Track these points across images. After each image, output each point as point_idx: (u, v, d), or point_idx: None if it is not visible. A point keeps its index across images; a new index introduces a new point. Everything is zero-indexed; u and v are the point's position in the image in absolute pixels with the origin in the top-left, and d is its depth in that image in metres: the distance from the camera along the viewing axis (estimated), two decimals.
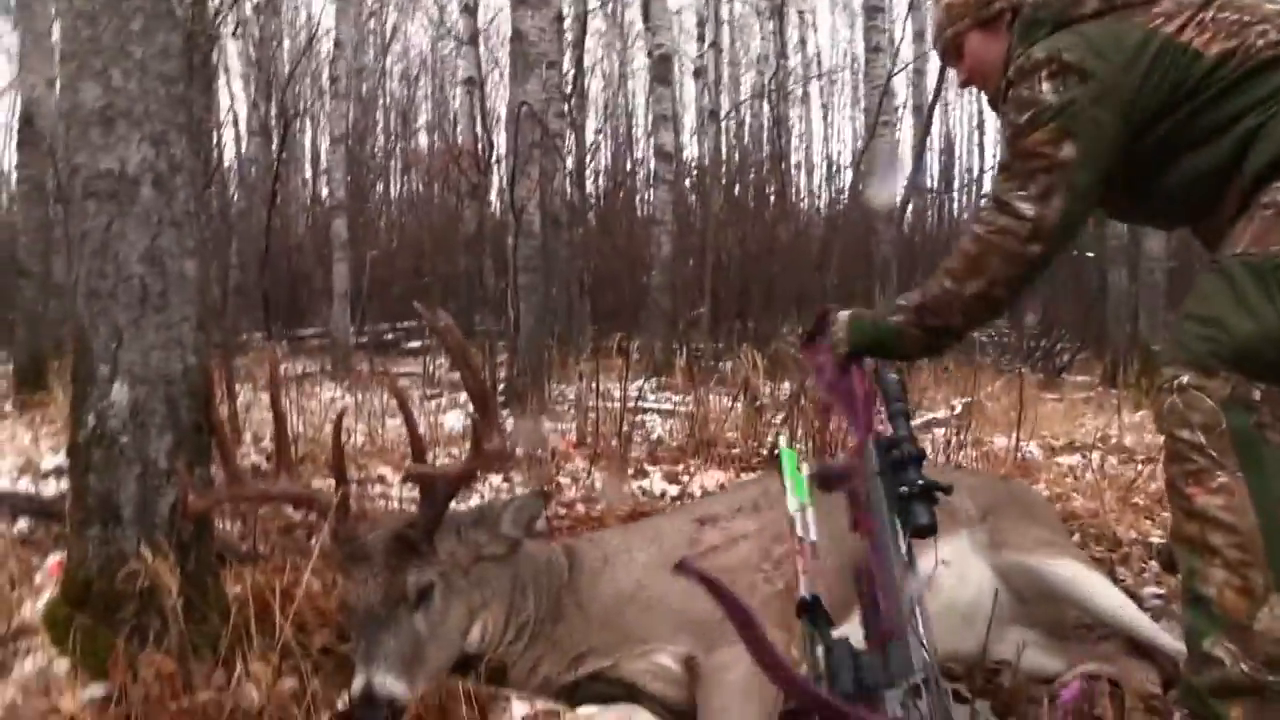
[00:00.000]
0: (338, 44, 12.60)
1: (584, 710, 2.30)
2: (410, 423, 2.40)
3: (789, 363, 7.16)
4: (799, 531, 1.95)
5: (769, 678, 1.72)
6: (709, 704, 2.20)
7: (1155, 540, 3.71)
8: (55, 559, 3.10)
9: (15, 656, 2.30)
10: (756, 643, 1.66)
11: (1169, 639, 2.50)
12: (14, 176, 8.34)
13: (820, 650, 1.77)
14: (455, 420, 6.52)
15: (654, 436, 6.18)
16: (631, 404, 6.51)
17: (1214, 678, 1.90)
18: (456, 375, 7.62)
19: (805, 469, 2.05)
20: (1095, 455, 5.33)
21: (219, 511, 2.57)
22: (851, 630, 1.93)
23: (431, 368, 9.70)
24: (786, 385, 6.39)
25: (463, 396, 5.85)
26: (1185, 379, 1.95)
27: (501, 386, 7.21)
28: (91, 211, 2.29)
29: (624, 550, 2.56)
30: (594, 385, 6.20)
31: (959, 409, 6.50)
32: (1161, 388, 2.00)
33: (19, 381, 7.67)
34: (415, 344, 12.22)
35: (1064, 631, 2.69)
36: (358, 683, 2.14)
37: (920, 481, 1.94)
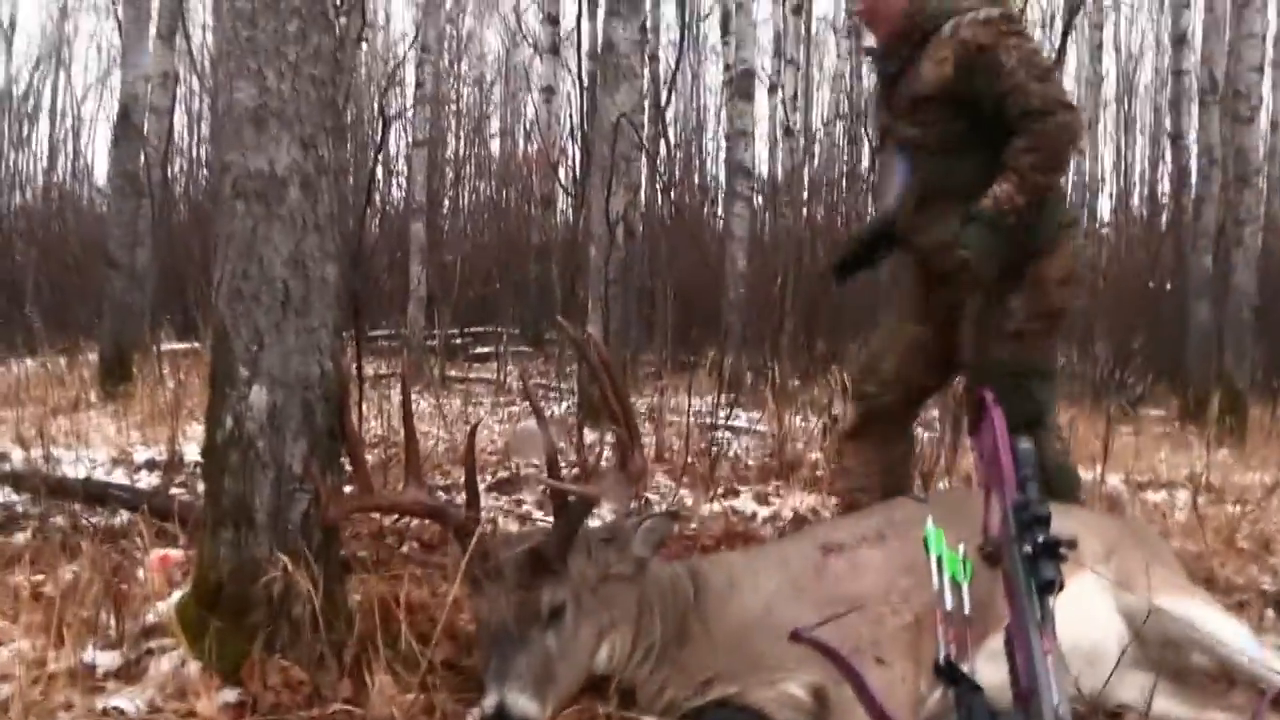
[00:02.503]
0: (425, 49, 12.65)
1: None
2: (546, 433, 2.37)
3: None
4: (947, 605, 2.03)
5: None
6: None
7: (1266, 587, 3.59)
8: (158, 554, 3.10)
9: (150, 656, 2.30)
10: (870, 703, 1.89)
11: None
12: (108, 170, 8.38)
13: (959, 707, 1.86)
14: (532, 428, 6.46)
15: (731, 454, 6.12)
16: (709, 420, 6.48)
17: None
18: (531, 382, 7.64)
19: (962, 547, 2.09)
20: (1183, 493, 5.18)
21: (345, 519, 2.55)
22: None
23: (503, 375, 9.69)
24: None
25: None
26: None
27: (574, 399, 7.21)
28: (240, 212, 2.29)
29: (750, 575, 2.52)
30: (679, 397, 6.15)
31: None
32: None
33: (104, 372, 7.73)
34: (485, 349, 12.25)
35: (1190, 678, 2.60)
36: (490, 700, 2.12)
37: (1042, 540, 2.01)
